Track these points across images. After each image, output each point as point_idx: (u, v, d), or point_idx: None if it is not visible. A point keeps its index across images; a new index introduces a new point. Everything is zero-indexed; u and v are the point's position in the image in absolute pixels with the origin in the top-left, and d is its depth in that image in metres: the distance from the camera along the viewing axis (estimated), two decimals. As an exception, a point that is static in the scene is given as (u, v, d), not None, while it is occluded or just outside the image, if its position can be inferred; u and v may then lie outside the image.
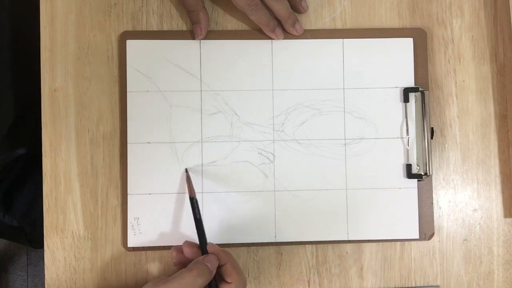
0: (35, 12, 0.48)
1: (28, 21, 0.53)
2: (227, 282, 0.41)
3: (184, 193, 0.47)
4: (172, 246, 0.46)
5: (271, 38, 0.48)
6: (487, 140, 0.50)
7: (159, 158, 0.47)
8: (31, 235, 0.65)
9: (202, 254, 0.42)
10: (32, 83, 0.52)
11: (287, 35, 0.49)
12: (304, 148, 0.48)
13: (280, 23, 0.48)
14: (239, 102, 0.48)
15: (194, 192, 0.45)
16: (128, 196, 0.47)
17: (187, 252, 0.43)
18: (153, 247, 0.47)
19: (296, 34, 0.48)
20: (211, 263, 0.41)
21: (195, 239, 0.43)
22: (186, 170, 0.47)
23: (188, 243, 0.43)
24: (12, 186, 0.63)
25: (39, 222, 0.50)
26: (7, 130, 0.57)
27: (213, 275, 0.41)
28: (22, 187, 0.64)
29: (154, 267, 0.48)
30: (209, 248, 0.42)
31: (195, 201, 0.44)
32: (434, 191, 0.49)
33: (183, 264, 0.43)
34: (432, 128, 0.48)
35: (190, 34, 0.48)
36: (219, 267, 0.42)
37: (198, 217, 0.43)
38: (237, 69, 0.48)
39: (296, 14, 0.49)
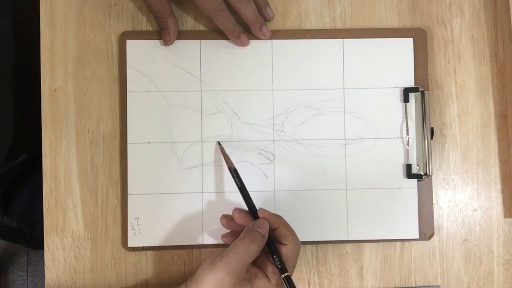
0: (36, 17, 0.48)
1: (29, 26, 0.53)
2: (283, 244, 0.42)
3: (184, 192, 0.47)
4: (174, 245, 0.46)
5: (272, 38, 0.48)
6: (487, 140, 0.50)
7: (159, 158, 0.47)
8: (30, 235, 0.65)
9: (254, 220, 0.43)
10: (32, 87, 0.52)
11: (288, 35, 0.49)
12: (304, 148, 0.48)
13: (247, 27, 0.47)
14: (239, 102, 0.48)
15: (232, 162, 0.45)
16: (128, 196, 0.47)
17: (238, 218, 0.43)
18: (153, 247, 0.47)
19: (264, 37, 0.48)
20: (262, 228, 0.41)
21: (196, 235, 0.43)
22: (219, 143, 0.47)
23: (238, 210, 0.43)
24: (11, 186, 0.63)
25: (38, 222, 0.50)
26: (10, 140, 0.57)
27: (266, 239, 0.41)
28: (21, 187, 0.64)
29: (154, 267, 0.48)
30: (260, 214, 0.43)
31: (233, 170, 0.45)
32: (434, 191, 0.49)
33: (232, 234, 0.45)
34: (432, 128, 0.48)
35: (190, 34, 0.48)
36: (273, 231, 0.42)
37: (239, 185, 0.44)
38: (237, 69, 0.48)
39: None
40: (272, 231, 0.42)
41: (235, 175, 0.45)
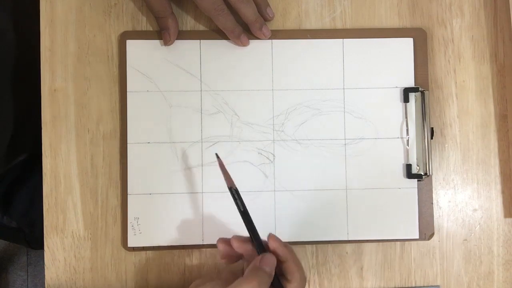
0: (36, 17, 0.48)
1: (29, 26, 0.53)
2: (288, 279, 0.38)
3: (184, 192, 0.47)
4: (174, 245, 0.46)
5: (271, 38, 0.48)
6: (487, 140, 0.50)
7: (159, 158, 0.47)
8: (29, 235, 0.65)
9: (258, 251, 0.38)
10: (31, 86, 0.52)
11: (288, 35, 0.49)
12: (304, 148, 0.48)
13: (247, 27, 0.47)
14: (239, 102, 0.48)
15: (233, 181, 0.40)
16: (128, 196, 0.47)
17: (239, 248, 0.39)
18: (153, 247, 0.47)
19: (264, 37, 0.48)
20: (270, 265, 0.37)
21: (196, 235, 0.43)
22: (217, 156, 0.41)
23: (238, 239, 0.39)
24: (11, 187, 0.63)
25: (38, 222, 0.50)
26: (9, 139, 0.57)
27: (272, 277, 0.37)
28: (21, 187, 0.64)
29: (154, 267, 0.48)
30: (270, 244, 0.38)
31: (234, 191, 0.39)
32: (434, 191, 0.49)
33: (231, 257, 0.40)
34: (432, 128, 0.48)
35: (190, 34, 0.48)
36: (279, 263, 0.38)
37: (242, 209, 0.39)
38: (237, 69, 0.48)
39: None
40: (278, 262, 0.38)
41: (237, 196, 0.39)
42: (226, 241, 0.40)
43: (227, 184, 0.40)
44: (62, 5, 0.48)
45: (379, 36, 0.49)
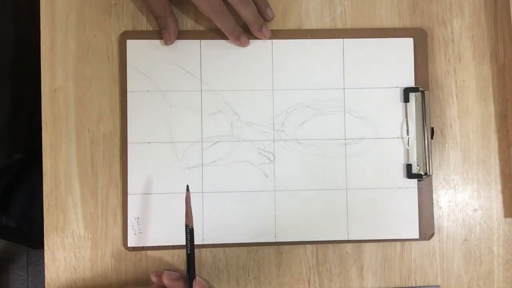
0: (36, 17, 0.48)
1: (29, 26, 0.53)
2: None
3: (184, 192, 0.47)
4: (174, 245, 0.46)
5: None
6: (487, 140, 0.50)
7: (159, 158, 0.47)
8: (29, 235, 0.65)
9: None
10: (28, 85, 0.52)
11: (288, 35, 0.49)
12: (304, 148, 0.48)
13: (247, 28, 0.47)
14: (239, 102, 0.48)
15: (192, 219, 0.40)
16: (128, 196, 0.47)
17: (169, 285, 0.40)
18: (153, 247, 0.47)
19: (264, 38, 0.48)
20: None
21: (196, 235, 0.43)
22: (188, 188, 0.42)
23: (169, 276, 0.40)
24: (9, 186, 0.63)
25: (37, 222, 0.50)
26: (5, 134, 0.57)
27: None
28: (19, 187, 0.64)
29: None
30: (196, 286, 0.39)
31: (189, 230, 0.39)
32: (434, 191, 0.49)
33: None
34: (432, 128, 0.48)
35: (191, 34, 0.48)
36: None
37: (189, 252, 0.40)
38: (237, 69, 0.48)
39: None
40: None
41: (189, 237, 0.39)
42: (159, 276, 0.41)
43: (185, 220, 0.40)
44: (62, 5, 0.48)
45: (379, 36, 0.49)
